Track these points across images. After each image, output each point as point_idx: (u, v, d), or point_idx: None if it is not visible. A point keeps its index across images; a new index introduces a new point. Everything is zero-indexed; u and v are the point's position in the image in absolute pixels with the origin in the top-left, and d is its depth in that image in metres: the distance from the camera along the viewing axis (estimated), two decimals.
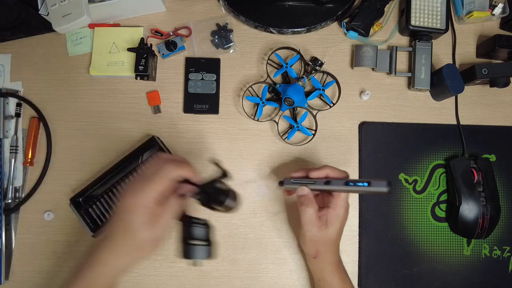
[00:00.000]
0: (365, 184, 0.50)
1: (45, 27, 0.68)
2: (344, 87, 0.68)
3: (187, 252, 0.48)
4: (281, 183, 0.59)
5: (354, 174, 0.67)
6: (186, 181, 0.48)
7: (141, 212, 0.44)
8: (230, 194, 0.51)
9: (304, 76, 0.66)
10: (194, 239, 0.48)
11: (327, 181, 0.54)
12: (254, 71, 0.70)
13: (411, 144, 0.68)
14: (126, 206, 0.45)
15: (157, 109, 0.68)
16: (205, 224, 0.50)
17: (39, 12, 0.67)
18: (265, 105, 0.66)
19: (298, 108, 0.68)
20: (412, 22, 0.67)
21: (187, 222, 0.49)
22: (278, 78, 0.69)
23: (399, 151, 0.68)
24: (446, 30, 0.68)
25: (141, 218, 0.44)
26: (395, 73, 0.68)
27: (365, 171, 0.67)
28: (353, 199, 0.67)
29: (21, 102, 0.68)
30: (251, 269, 0.65)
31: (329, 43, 0.71)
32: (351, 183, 0.52)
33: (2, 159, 0.67)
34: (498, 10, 0.68)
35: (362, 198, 0.66)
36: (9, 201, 0.66)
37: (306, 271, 0.65)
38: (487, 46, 0.69)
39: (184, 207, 0.49)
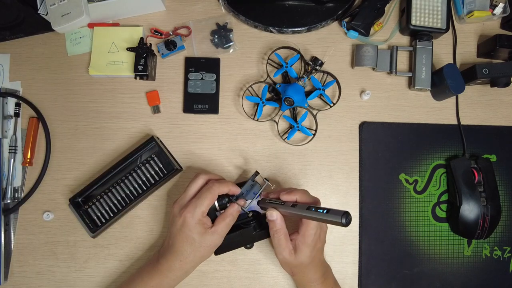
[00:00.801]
0: (325, 211, 0.48)
1: (44, 26, 0.68)
2: (345, 87, 0.68)
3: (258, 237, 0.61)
4: (259, 202, 0.58)
5: (354, 174, 0.67)
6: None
7: (197, 225, 0.54)
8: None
9: (304, 75, 0.66)
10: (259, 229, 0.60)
11: (293, 204, 0.53)
12: (254, 70, 0.70)
13: (412, 144, 0.68)
14: (183, 223, 0.55)
15: (156, 109, 0.68)
16: (254, 219, 0.60)
17: (38, 12, 0.67)
18: (265, 105, 0.66)
19: (298, 108, 0.67)
20: (413, 22, 0.67)
21: (244, 224, 0.60)
22: (278, 78, 0.68)
23: (400, 151, 0.67)
24: (446, 30, 0.68)
25: (199, 230, 0.54)
26: (396, 73, 0.68)
27: (365, 171, 0.67)
28: (353, 199, 0.67)
29: (20, 102, 0.68)
30: (251, 269, 0.65)
31: (329, 42, 0.70)
32: (313, 209, 0.50)
33: (1, 159, 0.66)
34: (498, 9, 0.68)
35: (363, 198, 0.66)
36: (8, 201, 0.66)
37: None
38: (487, 45, 0.68)
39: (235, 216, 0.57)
